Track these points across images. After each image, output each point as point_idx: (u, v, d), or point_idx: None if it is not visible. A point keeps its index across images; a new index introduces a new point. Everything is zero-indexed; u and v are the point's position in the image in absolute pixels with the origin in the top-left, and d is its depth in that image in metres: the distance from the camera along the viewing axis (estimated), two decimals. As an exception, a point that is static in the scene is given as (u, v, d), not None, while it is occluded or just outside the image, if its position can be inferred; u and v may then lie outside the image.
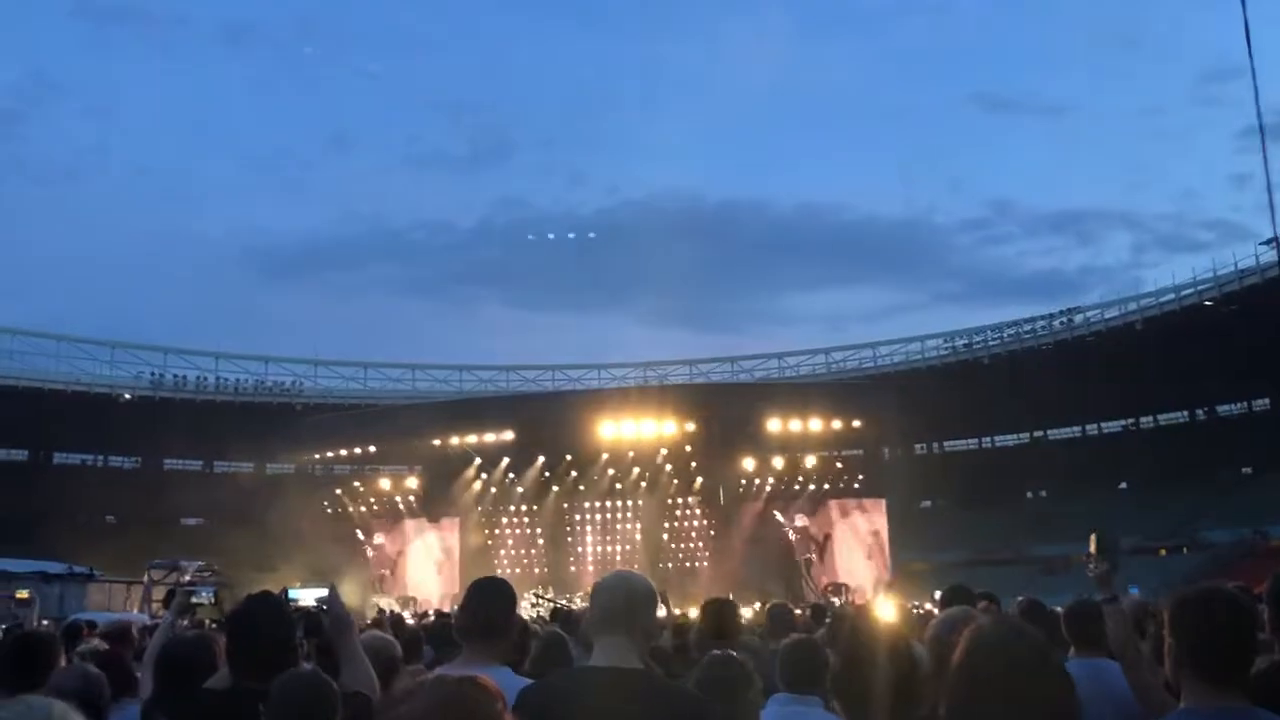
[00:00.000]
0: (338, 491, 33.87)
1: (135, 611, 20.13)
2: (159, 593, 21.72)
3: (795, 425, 30.41)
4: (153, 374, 46.10)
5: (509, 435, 31.19)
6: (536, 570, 32.50)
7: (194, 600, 5.98)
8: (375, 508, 33.24)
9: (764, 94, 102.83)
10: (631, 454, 31.91)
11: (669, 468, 32.78)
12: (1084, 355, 42.56)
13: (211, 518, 40.32)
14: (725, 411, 32.50)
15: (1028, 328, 45.54)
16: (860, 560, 30.79)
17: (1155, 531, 38.44)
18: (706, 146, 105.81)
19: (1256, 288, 37.63)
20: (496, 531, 34.41)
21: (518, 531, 34.63)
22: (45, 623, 14.09)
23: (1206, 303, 39.39)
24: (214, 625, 7.11)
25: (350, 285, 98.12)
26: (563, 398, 40.87)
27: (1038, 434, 50.81)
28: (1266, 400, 44.61)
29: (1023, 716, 1.83)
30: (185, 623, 5.63)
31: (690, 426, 31.01)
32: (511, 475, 32.91)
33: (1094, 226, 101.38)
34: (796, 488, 31.92)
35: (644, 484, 33.17)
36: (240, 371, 48.38)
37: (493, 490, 33.13)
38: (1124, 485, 46.11)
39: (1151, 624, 4.33)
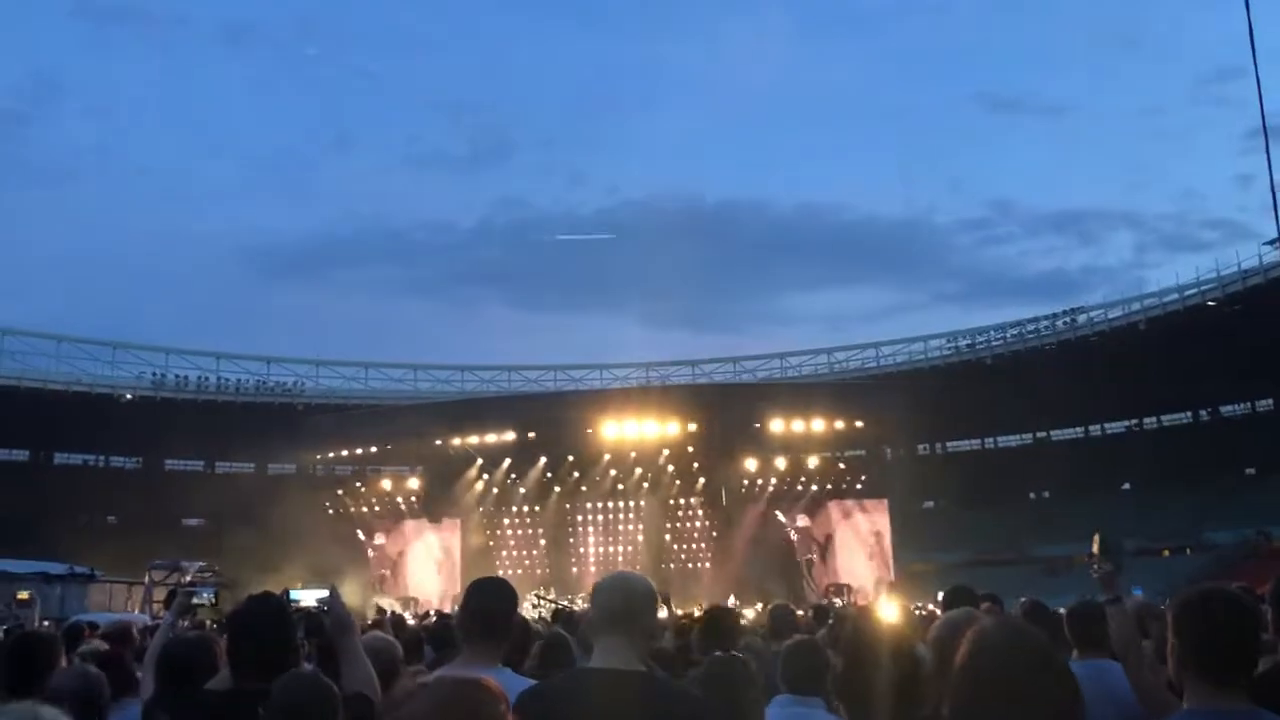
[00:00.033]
0: (339, 492, 33.90)
1: (136, 612, 20.16)
2: (160, 593, 21.74)
3: (798, 426, 30.42)
4: (154, 374, 46.11)
5: (510, 436, 31.21)
6: (538, 571, 32.50)
7: (194, 601, 5.97)
8: (376, 508, 33.25)
9: (764, 94, 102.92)
10: (633, 455, 31.92)
11: (671, 468, 32.80)
12: (1087, 355, 42.50)
13: (213, 518, 40.35)
14: (727, 412, 32.50)
15: (1031, 328, 45.47)
16: (862, 561, 30.78)
17: (1158, 532, 38.36)
18: (707, 146, 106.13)
19: (1260, 288, 37.57)
20: (498, 532, 34.42)
21: (519, 532, 34.64)
22: (46, 623, 14.10)
23: (1210, 303, 39.33)
24: (214, 626, 7.12)
25: (351, 285, 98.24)
26: (564, 398, 40.84)
27: (1040, 434, 50.75)
28: (1270, 401, 44.54)
29: (1026, 718, 1.82)
30: (186, 623, 5.63)
31: (692, 427, 31.02)
32: (513, 476, 32.93)
33: (1096, 226, 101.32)
34: (799, 488, 31.90)
35: (646, 485, 33.18)
36: (241, 372, 48.37)
37: (494, 491, 33.14)
38: (1127, 486, 46.04)
39: (1155, 625, 4.32)
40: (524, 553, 34.24)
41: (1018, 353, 45.00)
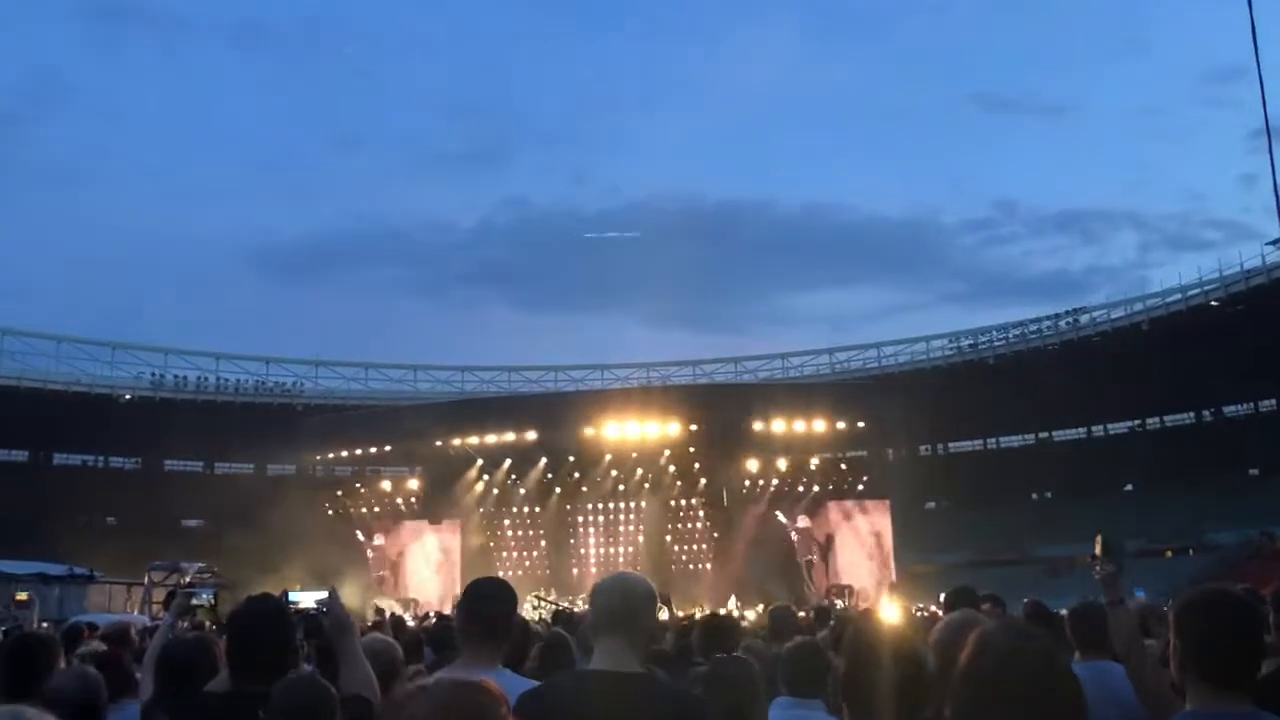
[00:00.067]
0: (338, 493, 33.88)
1: (135, 613, 20.15)
2: (159, 594, 21.73)
3: (799, 426, 30.39)
4: (153, 374, 46.15)
5: (511, 436, 31.17)
6: (538, 572, 32.47)
7: (194, 602, 5.96)
8: (376, 509, 33.21)
9: (767, 94, 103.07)
10: (634, 455, 31.89)
11: (672, 469, 32.76)
12: (1090, 356, 42.51)
13: (212, 519, 40.40)
14: (728, 413, 32.48)
15: (1033, 328, 45.46)
16: (863, 562, 30.73)
17: (1161, 533, 38.35)
18: (709, 146, 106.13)
19: (1263, 288, 37.58)
20: (498, 533, 34.39)
21: (520, 533, 34.61)
22: (45, 624, 14.10)
23: (1213, 303, 39.33)
24: (213, 628, 7.10)
25: (352, 285, 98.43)
26: (565, 399, 40.84)
27: (1043, 435, 50.75)
28: (1273, 401, 44.52)
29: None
30: (185, 624, 5.62)
31: (693, 428, 30.99)
32: (513, 477, 32.89)
33: (1099, 226, 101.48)
34: (800, 489, 31.87)
35: (647, 486, 33.15)
36: (241, 372, 48.40)
37: (494, 492, 33.10)
38: (1130, 486, 46.03)
39: (1159, 626, 4.31)
40: (524, 554, 34.21)
41: (1020, 353, 45.00)
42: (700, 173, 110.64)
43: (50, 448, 47.26)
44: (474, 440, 31.67)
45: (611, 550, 33.89)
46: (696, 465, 32.86)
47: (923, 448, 49.34)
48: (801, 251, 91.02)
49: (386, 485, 33.81)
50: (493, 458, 32.14)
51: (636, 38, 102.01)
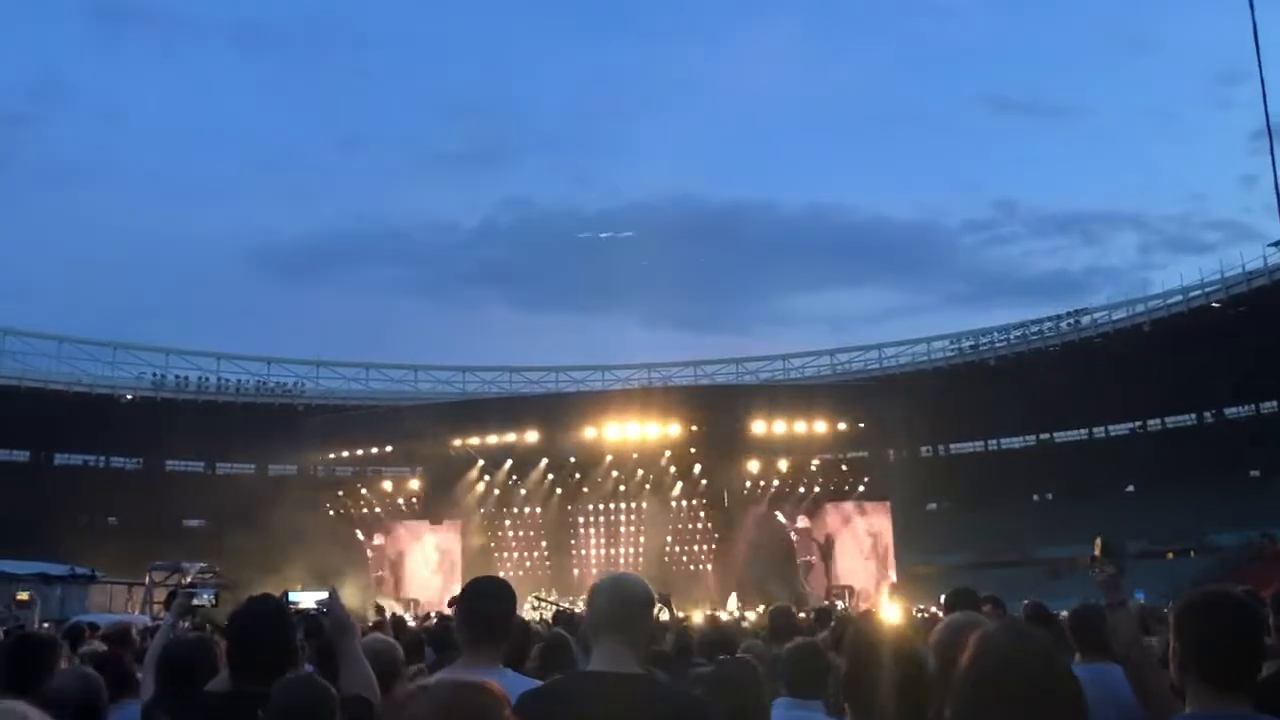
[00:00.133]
0: (340, 493, 33.90)
1: (137, 613, 20.15)
2: (160, 594, 21.72)
3: (800, 427, 30.39)
4: (154, 375, 46.18)
5: (512, 437, 31.18)
6: (539, 573, 32.47)
7: (195, 602, 5.96)
8: (377, 509, 33.24)
9: (769, 94, 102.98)
10: (635, 456, 31.90)
11: (673, 470, 32.76)
12: (1091, 357, 42.48)
13: (213, 519, 40.39)
14: (730, 413, 32.48)
15: (1034, 329, 45.45)
16: (864, 563, 30.73)
17: (1162, 535, 38.32)
18: (712, 147, 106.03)
19: (1264, 289, 37.55)
20: (499, 534, 34.40)
21: (520, 534, 34.61)
22: (46, 624, 14.10)
23: (1214, 304, 39.30)
24: (214, 632, 7.10)
25: (353, 285, 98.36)
26: (566, 399, 40.84)
27: (1044, 436, 50.72)
28: (1274, 402, 44.48)
29: (1030, 720, 1.81)
30: (187, 624, 5.62)
31: (694, 428, 30.99)
32: (514, 477, 32.91)
33: (1101, 227, 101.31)
34: (801, 490, 31.87)
35: (648, 486, 33.15)
36: (242, 372, 48.42)
37: (495, 492, 33.11)
38: (1131, 488, 46.00)
39: (1159, 628, 4.30)
40: (525, 554, 34.22)
41: (1021, 354, 44.99)
42: (702, 173, 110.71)
43: (52, 448, 47.29)
44: (475, 441, 31.69)
45: (612, 551, 33.89)
46: (697, 466, 32.87)
47: (923, 449, 49.33)
48: (803, 252, 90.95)
49: (387, 486, 33.83)
50: (494, 458, 32.16)
51: (639, 37, 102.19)
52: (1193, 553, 39.00)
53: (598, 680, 2.62)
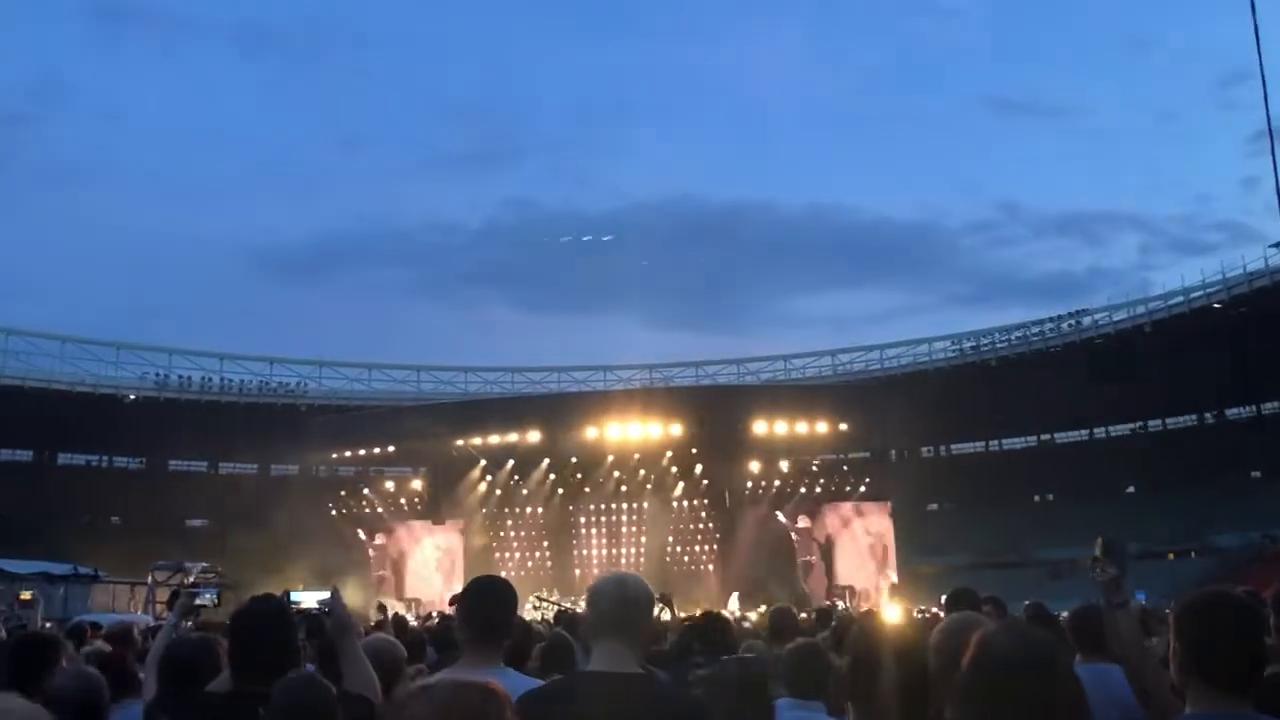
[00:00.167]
0: (342, 493, 33.93)
1: (139, 613, 20.18)
2: (163, 594, 21.73)
3: (801, 428, 30.38)
4: (158, 375, 46.18)
5: (514, 437, 31.20)
6: (541, 573, 32.49)
7: (197, 602, 5.96)
8: (379, 509, 33.27)
9: (770, 95, 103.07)
10: (637, 456, 31.91)
11: (674, 470, 32.77)
12: (1092, 358, 42.41)
13: (216, 519, 40.46)
14: (731, 414, 32.48)
15: (1036, 330, 45.38)
16: (864, 563, 30.72)
17: (1163, 536, 38.28)
18: (714, 148, 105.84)
19: (1265, 290, 37.47)
20: (501, 534, 34.42)
21: (522, 534, 34.64)
22: (49, 624, 14.10)
23: (1215, 305, 39.23)
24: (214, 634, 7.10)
25: (355, 286, 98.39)
26: (568, 400, 40.83)
27: (1045, 437, 50.66)
28: (1275, 403, 44.42)
29: (1031, 720, 1.81)
30: (190, 624, 5.62)
31: (696, 429, 30.99)
32: (516, 477, 32.92)
33: (1102, 228, 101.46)
34: (802, 490, 31.87)
35: (649, 487, 33.16)
36: (245, 372, 48.41)
37: (497, 492, 33.13)
38: (1132, 489, 45.94)
39: (1161, 629, 4.30)
40: (527, 555, 34.24)
41: (1022, 355, 44.93)
42: (703, 174, 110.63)
43: (55, 448, 47.33)
44: (477, 441, 31.70)
45: (614, 551, 33.91)
46: (699, 466, 32.87)
47: (924, 449, 49.29)
48: (804, 253, 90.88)
49: (390, 486, 33.87)
50: (496, 458, 32.17)
51: (639, 38, 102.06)
52: (1194, 553, 38.96)
53: (598, 680, 2.63)
